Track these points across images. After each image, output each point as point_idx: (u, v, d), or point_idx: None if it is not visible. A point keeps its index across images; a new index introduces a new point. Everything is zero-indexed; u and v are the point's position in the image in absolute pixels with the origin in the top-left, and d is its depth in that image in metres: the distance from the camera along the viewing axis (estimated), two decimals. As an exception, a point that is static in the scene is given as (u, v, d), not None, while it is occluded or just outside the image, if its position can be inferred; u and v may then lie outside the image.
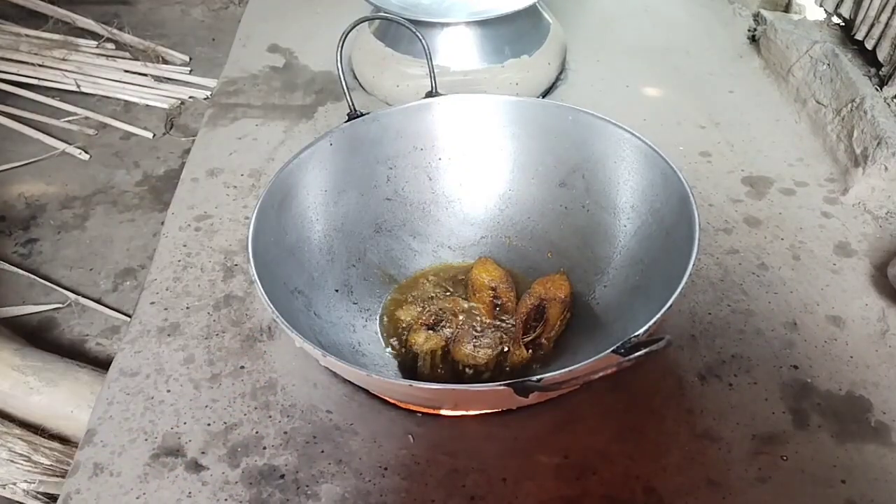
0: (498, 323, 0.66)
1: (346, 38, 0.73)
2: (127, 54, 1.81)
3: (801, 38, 0.98)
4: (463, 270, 0.74)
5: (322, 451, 0.60)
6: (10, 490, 0.81)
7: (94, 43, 1.82)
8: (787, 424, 0.61)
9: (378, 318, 0.70)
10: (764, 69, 1.05)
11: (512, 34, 0.94)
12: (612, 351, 0.49)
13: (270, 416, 0.62)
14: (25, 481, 0.80)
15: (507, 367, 0.64)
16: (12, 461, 0.82)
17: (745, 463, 0.58)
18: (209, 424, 0.62)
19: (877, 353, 0.67)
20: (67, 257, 1.37)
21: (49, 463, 0.88)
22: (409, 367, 0.65)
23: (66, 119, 1.66)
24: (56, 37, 1.79)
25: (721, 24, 1.16)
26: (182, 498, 0.57)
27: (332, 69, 1.06)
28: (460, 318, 0.67)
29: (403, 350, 0.66)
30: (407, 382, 0.53)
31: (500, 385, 0.49)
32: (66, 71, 1.74)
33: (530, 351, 0.65)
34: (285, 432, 0.61)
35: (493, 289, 0.69)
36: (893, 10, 0.85)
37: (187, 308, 0.72)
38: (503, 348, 0.65)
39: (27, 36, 1.79)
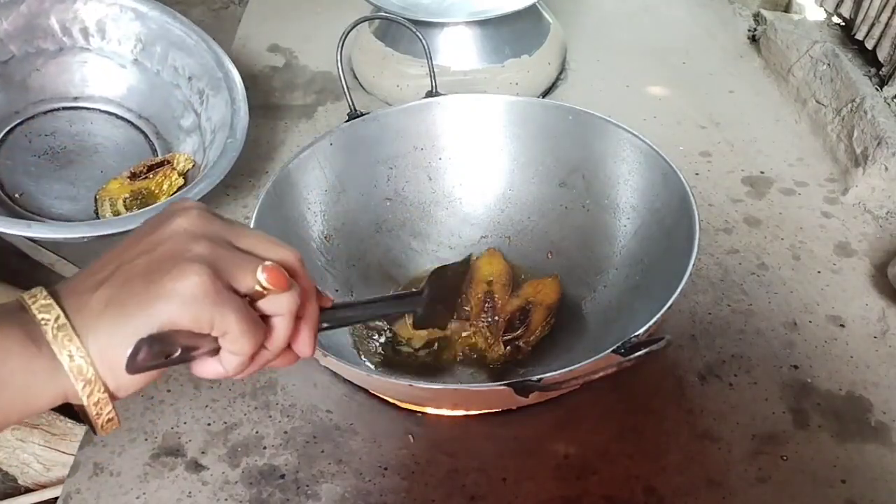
0: (482, 318, 0.66)
1: (346, 38, 0.73)
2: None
3: (801, 38, 0.98)
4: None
5: (322, 451, 0.60)
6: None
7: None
8: (787, 424, 0.61)
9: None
10: (764, 69, 1.05)
11: (512, 34, 0.94)
12: (613, 351, 0.49)
13: (270, 416, 0.62)
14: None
15: (490, 364, 0.65)
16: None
17: (745, 463, 0.58)
18: (209, 424, 0.62)
19: (877, 353, 0.67)
20: (68, 258, 1.36)
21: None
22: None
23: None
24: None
25: (721, 24, 1.16)
26: (182, 498, 0.57)
27: (332, 69, 1.06)
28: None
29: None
30: (407, 382, 0.53)
31: (501, 385, 0.49)
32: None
33: (508, 349, 0.65)
34: (285, 432, 0.61)
35: (489, 283, 0.69)
36: (893, 10, 0.85)
37: (187, 308, 0.72)
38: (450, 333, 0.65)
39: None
